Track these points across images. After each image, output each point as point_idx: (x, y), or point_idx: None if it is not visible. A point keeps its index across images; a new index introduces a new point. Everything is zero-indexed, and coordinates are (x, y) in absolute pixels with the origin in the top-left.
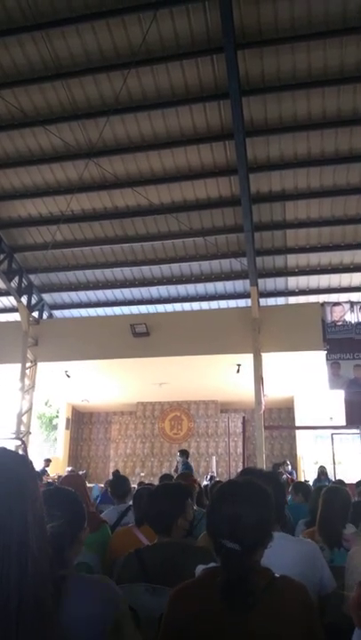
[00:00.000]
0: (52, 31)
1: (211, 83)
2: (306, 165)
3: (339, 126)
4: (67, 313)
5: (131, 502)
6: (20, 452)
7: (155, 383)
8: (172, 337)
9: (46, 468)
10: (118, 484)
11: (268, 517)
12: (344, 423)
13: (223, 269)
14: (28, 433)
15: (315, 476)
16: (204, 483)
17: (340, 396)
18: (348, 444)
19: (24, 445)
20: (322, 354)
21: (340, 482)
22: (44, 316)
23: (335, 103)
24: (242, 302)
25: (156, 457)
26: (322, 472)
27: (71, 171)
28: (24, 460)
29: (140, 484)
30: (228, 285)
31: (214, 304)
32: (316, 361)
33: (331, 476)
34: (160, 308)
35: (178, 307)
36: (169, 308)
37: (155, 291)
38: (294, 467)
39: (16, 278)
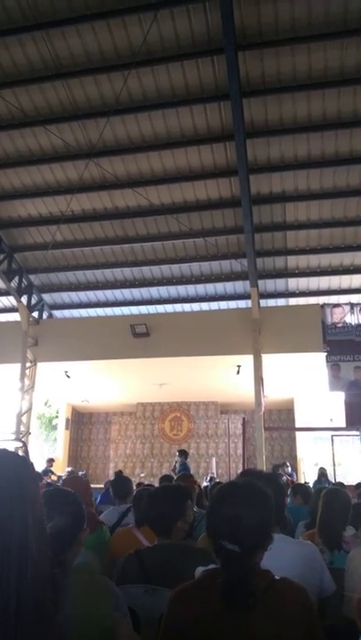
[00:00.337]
0: (52, 31)
1: (211, 84)
2: (306, 167)
3: (339, 128)
4: (67, 313)
5: (130, 502)
6: (21, 453)
7: (155, 384)
8: (172, 338)
9: (50, 468)
10: (121, 484)
11: (267, 519)
12: (344, 425)
13: (223, 270)
14: (28, 433)
15: (315, 477)
16: (204, 484)
17: (340, 397)
18: (348, 445)
19: (25, 447)
20: (322, 355)
21: (340, 484)
22: (44, 316)
23: (335, 105)
24: (242, 303)
25: (155, 457)
26: (322, 474)
27: (71, 171)
28: (24, 462)
29: (139, 484)
30: (229, 286)
31: (214, 305)
32: (316, 362)
33: (331, 478)
34: (160, 308)
35: (178, 307)
36: (169, 308)
37: (155, 291)
38: (294, 468)
39: (16, 278)
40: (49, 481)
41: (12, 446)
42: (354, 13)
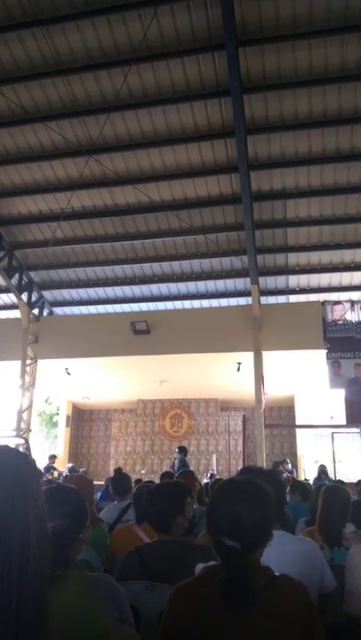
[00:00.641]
0: (52, 27)
1: (212, 80)
2: (307, 163)
3: (340, 124)
4: (67, 310)
5: (130, 500)
6: (23, 450)
7: (155, 381)
8: (172, 335)
9: (53, 465)
10: (120, 481)
11: (267, 516)
12: (344, 422)
13: (224, 267)
14: (29, 430)
15: (315, 474)
16: (205, 481)
17: (340, 394)
18: (349, 442)
19: (27, 444)
20: (322, 353)
21: (340, 481)
22: (45, 313)
23: (336, 101)
24: (242, 300)
25: (156, 454)
26: (322, 471)
27: (71, 167)
28: (26, 459)
29: (138, 481)
30: (229, 283)
31: (215, 302)
32: (316, 360)
33: (331, 475)
34: (160, 305)
35: (178, 304)
36: (169, 305)
37: (155, 288)
38: (295, 465)
39: (16, 275)
40: (50, 478)
41: (13, 443)
42: (355, 9)
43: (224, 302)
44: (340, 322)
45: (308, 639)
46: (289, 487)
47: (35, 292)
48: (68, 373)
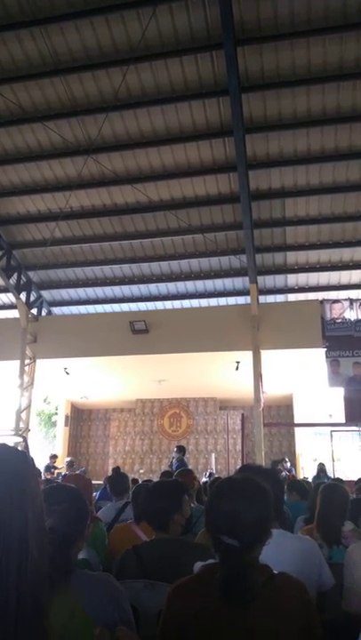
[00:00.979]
0: (50, 27)
1: (210, 79)
2: (305, 162)
3: (338, 123)
4: (66, 310)
5: (127, 499)
6: (21, 448)
7: (154, 380)
8: (171, 334)
9: (53, 464)
10: (118, 480)
11: (266, 514)
12: (343, 420)
13: (222, 266)
14: (27, 430)
15: (314, 473)
16: (203, 479)
17: (339, 393)
18: (348, 441)
19: (26, 442)
20: (321, 351)
21: (338, 479)
22: (43, 312)
23: (335, 100)
24: (241, 299)
25: (155, 454)
26: (321, 469)
27: (70, 167)
28: (25, 457)
29: (134, 481)
30: (228, 282)
31: (213, 301)
32: (315, 358)
33: (330, 474)
34: (159, 305)
35: (177, 304)
36: (168, 305)
37: (154, 288)
38: (293, 464)
39: (15, 275)
40: (48, 477)
41: (12, 441)
42: (353, 7)
43: (223, 301)
44: (339, 320)
45: (307, 637)
46: (286, 486)
47: (33, 292)
48: (67, 373)
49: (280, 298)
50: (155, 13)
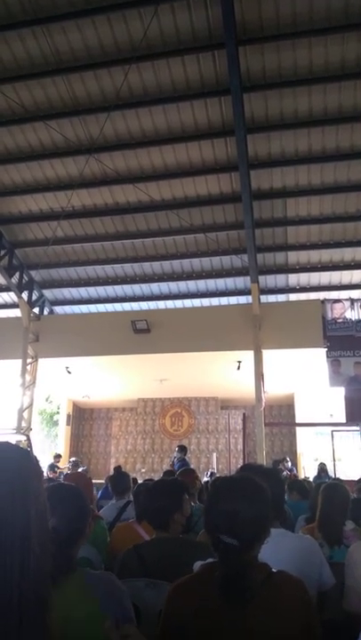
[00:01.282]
0: (52, 26)
1: (212, 78)
2: (307, 162)
3: (340, 123)
4: (67, 309)
5: (129, 498)
6: (24, 446)
7: (155, 379)
8: (172, 333)
9: (57, 464)
10: (119, 479)
11: (265, 512)
12: (344, 420)
13: (224, 266)
14: (29, 429)
15: (315, 472)
16: (205, 479)
17: (340, 393)
18: (349, 440)
19: (29, 441)
20: (322, 351)
21: (338, 479)
22: (45, 311)
23: (336, 99)
24: (242, 299)
25: (156, 453)
26: (322, 469)
27: (72, 166)
28: (28, 456)
29: (133, 480)
30: (229, 282)
31: (215, 301)
32: (316, 358)
33: (331, 473)
34: (161, 304)
35: (178, 303)
36: (170, 304)
37: (155, 287)
38: (294, 463)
39: (17, 274)
40: (50, 476)
41: (16, 440)
42: (355, 7)
43: (224, 301)
44: (340, 320)
45: (306, 635)
46: (286, 486)
47: (35, 291)
48: (69, 372)
49: (281, 297)
50: (157, 12)
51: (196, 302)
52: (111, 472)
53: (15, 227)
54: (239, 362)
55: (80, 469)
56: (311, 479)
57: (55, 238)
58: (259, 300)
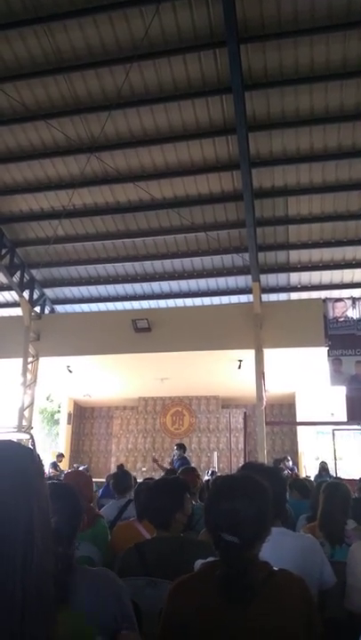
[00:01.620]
0: (53, 24)
1: (213, 77)
2: (308, 160)
3: (342, 121)
4: (68, 308)
5: (130, 496)
6: (28, 445)
7: (156, 378)
8: (173, 332)
9: (58, 463)
10: (122, 478)
11: (265, 511)
12: (345, 419)
13: (225, 265)
14: (30, 427)
15: (316, 471)
16: (206, 478)
17: (341, 392)
18: (350, 440)
19: (32, 440)
20: (324, 350)
21: (338, 478)
22: (46, 310)
23: (338, 98)
24: (244, 298)
25: (157, 452)
26: (323, 468)
27: (73, 165)
28: (31, 454)
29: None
30: (230, 281)
31: (216, 299)
32: (317, 357)
33: (332, 472)
34: (162, 303)
35: (180, 302)
36: (171, 303)
37: (156, 286)
38: (295, 462)
39: (18, 273)
40: (52, 474)
41: (18, 438)
42: (357, 5)
43: (225, 300)
44: (342, 319)
45: (308, 633)
46: (288, 485)
47: (36, 290)
48: (70, 371)
49: (283, 296)
50: (158, 11)
51: (198, 301)
52: (112, 471)
53: (16, 225)
54: (240, 361)
55: (81, 468)
56: (312, 478)
57: (56, 237)
58: (260, 298)
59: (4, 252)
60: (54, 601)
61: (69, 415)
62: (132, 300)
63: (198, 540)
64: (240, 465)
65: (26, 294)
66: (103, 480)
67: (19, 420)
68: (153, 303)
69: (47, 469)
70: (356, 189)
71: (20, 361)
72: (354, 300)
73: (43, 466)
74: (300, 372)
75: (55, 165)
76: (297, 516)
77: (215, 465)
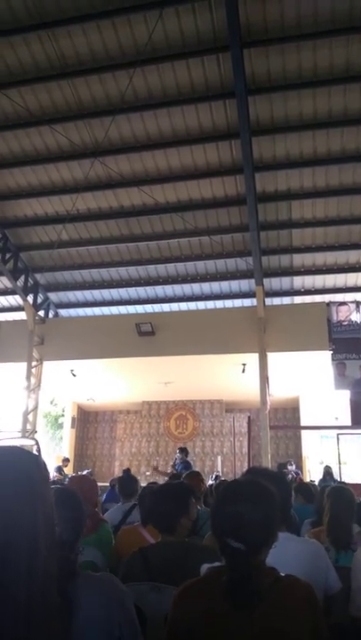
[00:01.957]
0: (57, 30)
1: (217, 81)
2: (312, 164)
3: (345, 125)
4: (72, 312)
5: (135, 501)
6: (33, 451)
7: (160, 382)
8: (177, 336)
9: (64, 467)
10: (128, 482)
11: (272, 516)
12: (350, 423)
13: (229, 269)
14: (34, 431)
15: (320, 476)
16: (210, 482)
17: (345, 396)
18: (354, 444)
19: (38, 446)
20: (327, 354)
21: (342, 483)
22: (50, 314)
23: (341, 102)
24: (247, 302)
25: (161, 456)
26: (327, 472)
27: (77, 170)
28: (36, 460)
29: None
30: (234, 285)
31: (220, 303)
32: (321, 361)
33: (336, 477)
34: (165, 307)
35: (183, 306)
36: (174, 307)
37: (160, 290)
38: (300, 467)
39: (22, 277)
40: (56, 478)
41: (23, 444)
42: (359, 9)
43: (229, 304)
44: (346, 323)
45: (314, 639)
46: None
47: (40, 294)
48: (74, 375)
49: (286, 300)
50: (161, 16)
51: (201, 305)
52: (116, 475)
53: (20, 230)
54: (244, 364)
55: (85, 472)
56: (316, 482)
57: (60, 241)
58: (264, 302)
59: (8, 256)
60: (58, 607)
61: (73, 419)
62: (136, 304)
63: (203, 545)
64: (244, 469)
65: (30, 298)
66: (107, 484)
67: (23, 424)
68: (157, 307)
69: (52, 473)
70: (360, 193)
71: (24, 365)
72: (358, 303)
73: (48, 472)
74: (304, 376)
75: (59, 170)
76: (301, 520)
77: (219, 469)
